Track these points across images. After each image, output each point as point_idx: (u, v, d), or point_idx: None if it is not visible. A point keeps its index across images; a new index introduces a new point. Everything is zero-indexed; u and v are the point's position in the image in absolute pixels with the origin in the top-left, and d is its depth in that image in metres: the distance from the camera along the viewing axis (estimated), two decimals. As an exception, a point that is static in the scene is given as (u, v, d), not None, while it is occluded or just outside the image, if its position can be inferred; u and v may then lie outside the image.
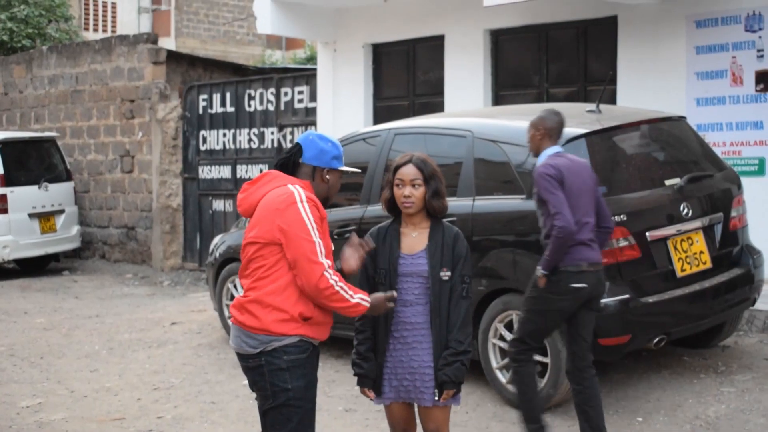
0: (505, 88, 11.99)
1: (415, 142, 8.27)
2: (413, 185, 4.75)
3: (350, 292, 4.43)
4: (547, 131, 6.27)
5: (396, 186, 4.79)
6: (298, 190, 4.41)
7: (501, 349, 7.28)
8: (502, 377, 7.26)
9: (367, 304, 4.47)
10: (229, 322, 4.43)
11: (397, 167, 4.82)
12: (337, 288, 4.37)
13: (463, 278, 4.79)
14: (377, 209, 8.08)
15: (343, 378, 8.19)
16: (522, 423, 6.33)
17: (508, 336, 7.15)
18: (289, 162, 4.56)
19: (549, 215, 6.02)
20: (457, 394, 4.80)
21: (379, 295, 4.60)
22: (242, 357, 4.50)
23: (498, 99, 11.99)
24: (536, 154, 6.34)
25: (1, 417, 7.62)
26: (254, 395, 4.66)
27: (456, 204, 7.50)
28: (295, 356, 4.41)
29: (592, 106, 7.74)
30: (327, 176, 4.57)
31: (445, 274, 4.75)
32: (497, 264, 7.27)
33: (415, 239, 4.83)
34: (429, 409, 4.82)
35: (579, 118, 7.53)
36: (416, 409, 4.94)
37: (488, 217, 7.33)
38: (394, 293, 4.66)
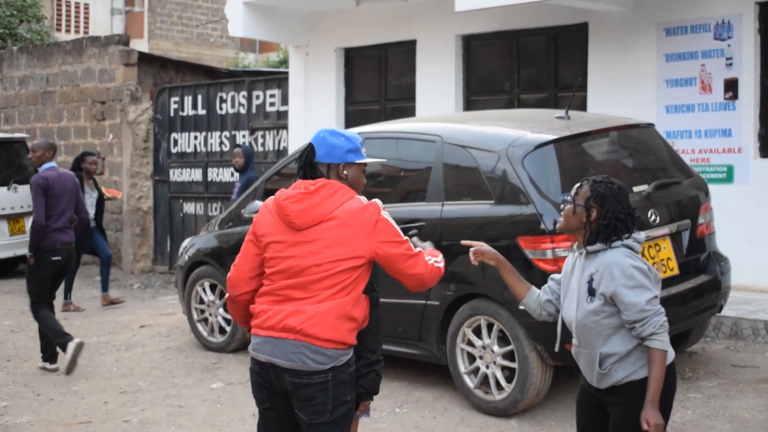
0: (477, 94, 12.03)
1: (384, 147, 8.26)
2: None
3: (435, 260, 4.46)
4: (46, 151, 9.16)
5: None
6: (372, 201, 4.33)
7: (469, 354, 7.29)
8: (470, 382, 7.26)
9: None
10: (268, 338, 4.19)
11: None
12: (436, 266, 4.42)
13: (372, 286, 4.54)
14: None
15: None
16: (55, 341, 8.93)
17: (477, 341, 7.17)
18: (305, 164, 4.35)
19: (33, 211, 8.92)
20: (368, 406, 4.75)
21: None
22: (300, 374, 4.18)
23: (469, 104, 12.02)
24: (38, 167, 9.17)
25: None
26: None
27: (425, 209, 7.53)
28: (353, 368, 4.35)
29: (561, 113, 7.78)
30: (344, 172, 4.34)
31: None
32: (466, 269, 7.26)
33: None
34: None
35: (548, 125, 7.57)
36: None
37: (457, 222, 7.33)
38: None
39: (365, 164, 4.49)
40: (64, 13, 36.09)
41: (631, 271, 4.17)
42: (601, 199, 4.27)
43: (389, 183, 8.38)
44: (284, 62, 26.15)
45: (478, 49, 12.05)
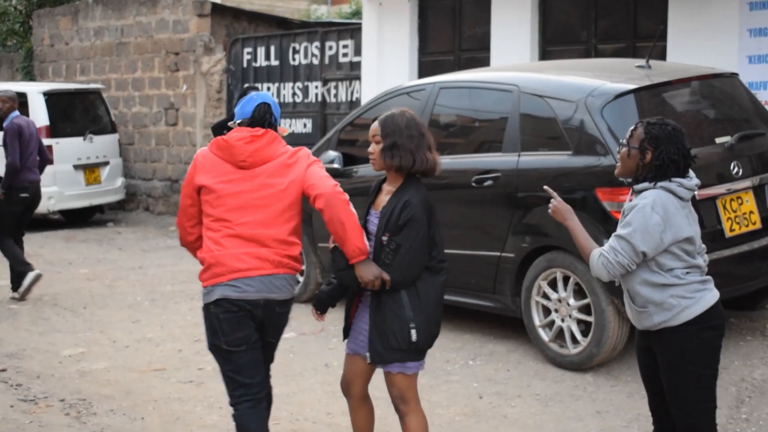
0: (553, 44, 11.80)
1: (459, 97, 8.18)
2: (375, 141, 4.71)
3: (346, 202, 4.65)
4: (13, 102, 10.15)
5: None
6: (305, 148, 4.84)
7: (544, 307, 7.20)
8: (545, 335, 7.18)
9: (365, 255, 4.59)
10: (248, 279, 4.62)
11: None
12: (343, 198, 4.60)
13: (389, 243, 4.60)
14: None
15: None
16: (17, 268, 9.90)
17: (552, 294, 7.07)
18: (268, 119, 4.76)
19: (8, 154, 9.87)
20: (419, 360, 4.72)
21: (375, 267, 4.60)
22: (279, 304, 4.72)
23: (545, 54, 11.79)
24: (4, 118, 10.07)
25: (44, 365, 7.67)
26: (244, 343, 4.72)
27: (501, 159, 7.42)
28: None
29: (641, 62, 7.59)
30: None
31: (385, 238, 4.62)
32: (541, 221, 7.15)
33: (384, 198, 4.77)
34: (390, 375, 4.73)
35: (628, 74, 7.40)
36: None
37: (533, 173, 7.21)
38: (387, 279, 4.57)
39: None
40: (138, -35, 36.21)
41: (639, 208, 4.19)
42: (656, 141, 4.26)
43: (464, 133, 8.28)
44: (356, 13, 26.00)
45: (554, -1, 11.82)
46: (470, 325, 8.13)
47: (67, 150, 14.96)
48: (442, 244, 4.68)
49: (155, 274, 11.26)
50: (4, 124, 10.08)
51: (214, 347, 4.76)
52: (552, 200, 4.50)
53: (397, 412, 4.82)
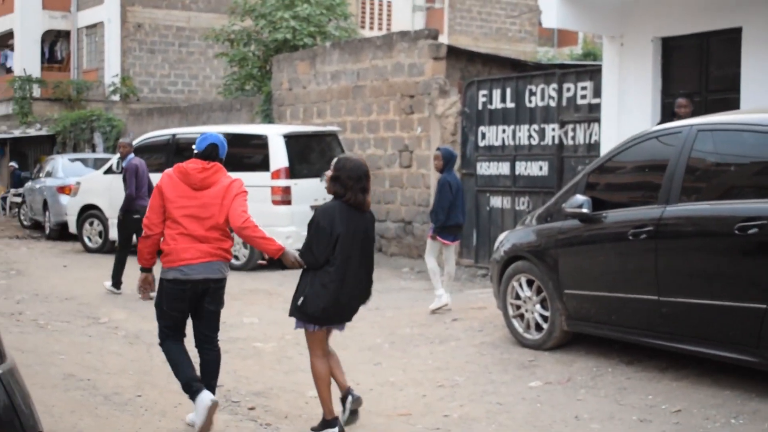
0: (810, 84, 11.16)
1: (720, 140, 7.77)
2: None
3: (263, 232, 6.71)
4: (131, 147, 13.43)
5: None
6: (238, 178, 6.89)
7: (816, 365, 6.69)
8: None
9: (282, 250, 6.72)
10: (192, 265, 6.69)
11: None
12: (255, 223, 6.67)
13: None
14: (678, 209, 7.66)
15: (635, 386, 7.80)
16: (113, 276, 13.25)
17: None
18: (212, 155, 6.82)
19: (126, 186, 13.10)
20: (302, 320, 6.88)
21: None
22: (214, 281, 6.78)
23: (801, 95, 11.17)
24: (125, 157, 13.34)
25: (291, 406, 7.72)
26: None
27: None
28: None
29: None
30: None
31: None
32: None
33: None
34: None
35: None
36: None
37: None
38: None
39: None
40: (368, 11, 37.18)
41: None
42: None
43: (724, 178, 7.84)
44: (588, 54, 25.63)
45: (811, 36, 11.18)
46: (729, 381, 7.67)
47: (304, 191, 15.30)
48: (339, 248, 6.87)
49: (393, 316, 11.25)
50: (124, 164, 13.24)
51: (158, 306, 6.87)
52: None
53: None
